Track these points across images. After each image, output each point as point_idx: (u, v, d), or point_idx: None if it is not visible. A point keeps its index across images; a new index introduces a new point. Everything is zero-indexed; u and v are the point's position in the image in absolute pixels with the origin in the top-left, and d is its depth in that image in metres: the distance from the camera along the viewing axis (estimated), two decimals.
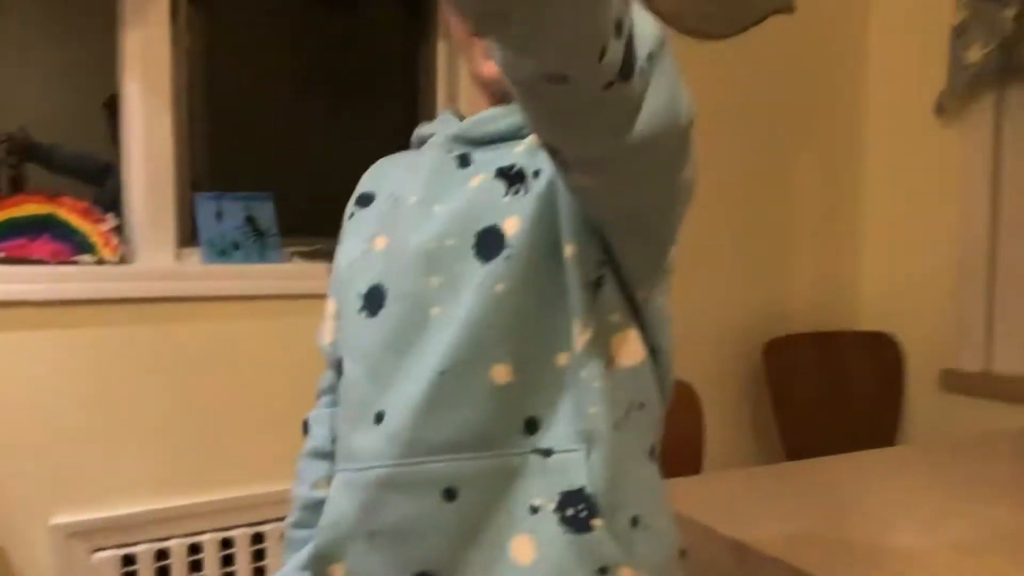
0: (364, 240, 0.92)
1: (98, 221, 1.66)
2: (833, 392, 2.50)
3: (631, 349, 0.82)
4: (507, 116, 0.88)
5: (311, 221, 1.97)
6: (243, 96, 1.98)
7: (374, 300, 0.87)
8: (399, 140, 0.99)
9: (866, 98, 2.65)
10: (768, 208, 2.53)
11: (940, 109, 2.43)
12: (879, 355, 2.57)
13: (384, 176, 0.99)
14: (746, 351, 2.52)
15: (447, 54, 2.00)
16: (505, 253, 0.79)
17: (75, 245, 1.64)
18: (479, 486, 0.78)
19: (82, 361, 1.68)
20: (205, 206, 1.82)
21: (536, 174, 0.82)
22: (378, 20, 2.04)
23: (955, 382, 2.43)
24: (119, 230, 1.71)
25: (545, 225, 0.80)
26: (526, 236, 0.80)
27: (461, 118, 0.96)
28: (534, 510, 0.76)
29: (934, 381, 2.47)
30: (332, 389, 1.01)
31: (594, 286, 0.80)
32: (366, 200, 0.98)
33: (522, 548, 0.77)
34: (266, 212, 1.87)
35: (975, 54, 2.31)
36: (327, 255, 1.89)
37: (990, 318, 2.41)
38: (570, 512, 0.76)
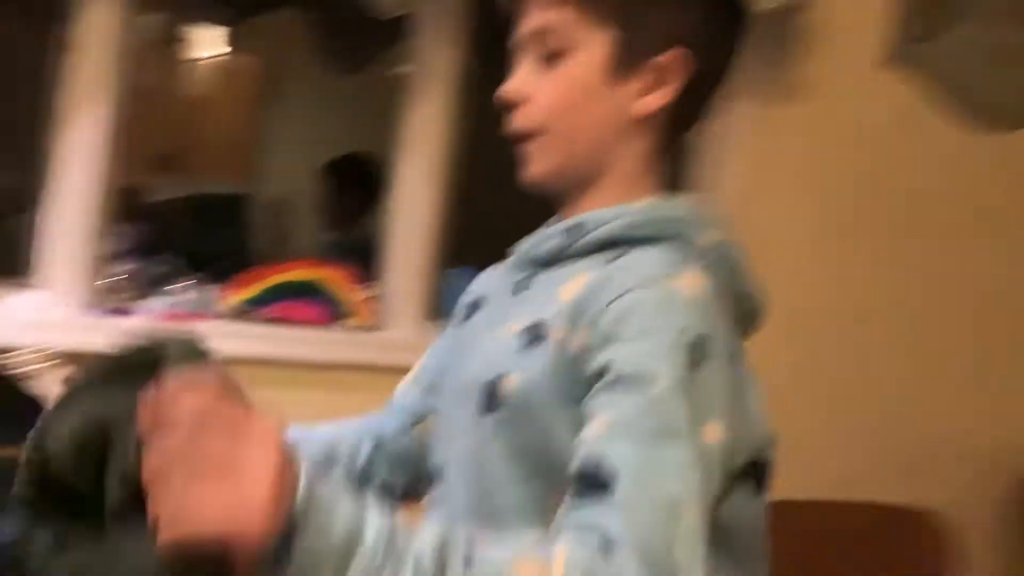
0: (446, 352, 0.96)
1: (358, 289, 1.70)
2: None
3: None
4: (556, 236, 0.87)
5: None
6: (499, 170, 2.00)
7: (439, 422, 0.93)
8: None
9: None
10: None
11: None
12: None
13: (482, 289, 0.99)
14: (999, 483, 2.23)
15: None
16: (501, 414, 0.81)
17: (335, 311, 1.68)
18: None
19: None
20: (455, 282, 1.83)
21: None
22: None
23: None
24: (375, 299, 1.74)
25: (550, 397, 0.79)
26: (529, 401, 0.80)
27: (576, 229, 0.89)
28: None
29: None
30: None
31: None
32: (470, 308, 0.97)
33: None
34: None
35: None
36: None
37: None
38: None
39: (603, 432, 0.71)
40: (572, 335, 0.78)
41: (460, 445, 0.86)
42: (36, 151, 1.65)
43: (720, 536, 0.77)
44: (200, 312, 1.66)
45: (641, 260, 0.81)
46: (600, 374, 0.75)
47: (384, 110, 1.99)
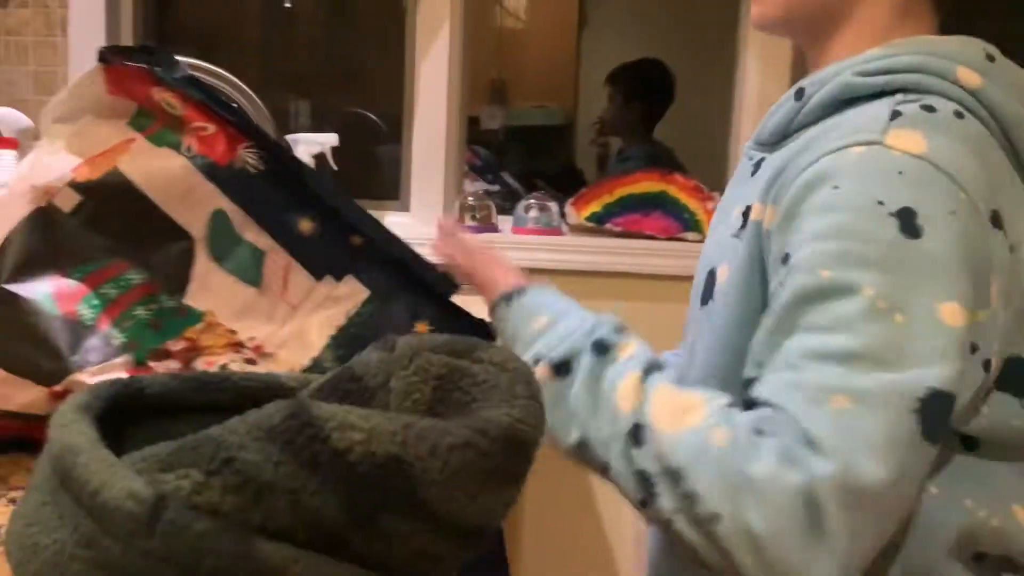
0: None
1: (705, 199, 1.66)
2: None
3: None
4: (778, 110, 0.76)
5: None
6: None
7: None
8: None
9: None
10: None
11: None
12: None
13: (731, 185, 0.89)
14: None
15: None
16: (710, 305, 0.76)
17: (683, 222, 1.65)
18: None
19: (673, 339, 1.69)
20: None
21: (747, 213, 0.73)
22: None
23: None
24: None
25: (747, 286, 0.71)
26: (729, 292, 0.73)
27: (800, 94, 0.74)
28: None
29: None
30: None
31: None
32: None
33: None
34: None
35: None
36: None
37: None
38: None
39: (785, 379, 0.61)
40: (764, 212, 0.69)
41: (688, 343, 0.82)
42: (400, 85, 1.76)
43: (971, 446, 0.67)
44: (550, 227, 1.69)
45: (848, 119, 0.67)
46: (782, 261, 0.64)
47: (698, 18, 1.89)
